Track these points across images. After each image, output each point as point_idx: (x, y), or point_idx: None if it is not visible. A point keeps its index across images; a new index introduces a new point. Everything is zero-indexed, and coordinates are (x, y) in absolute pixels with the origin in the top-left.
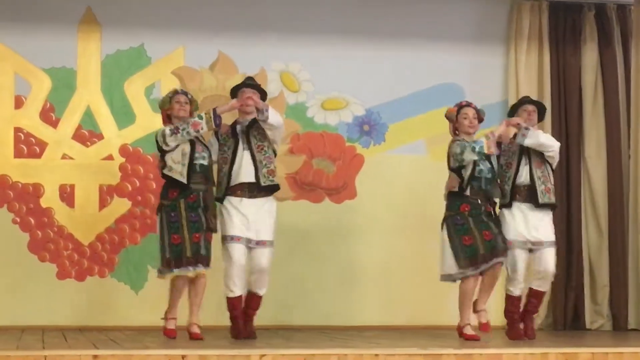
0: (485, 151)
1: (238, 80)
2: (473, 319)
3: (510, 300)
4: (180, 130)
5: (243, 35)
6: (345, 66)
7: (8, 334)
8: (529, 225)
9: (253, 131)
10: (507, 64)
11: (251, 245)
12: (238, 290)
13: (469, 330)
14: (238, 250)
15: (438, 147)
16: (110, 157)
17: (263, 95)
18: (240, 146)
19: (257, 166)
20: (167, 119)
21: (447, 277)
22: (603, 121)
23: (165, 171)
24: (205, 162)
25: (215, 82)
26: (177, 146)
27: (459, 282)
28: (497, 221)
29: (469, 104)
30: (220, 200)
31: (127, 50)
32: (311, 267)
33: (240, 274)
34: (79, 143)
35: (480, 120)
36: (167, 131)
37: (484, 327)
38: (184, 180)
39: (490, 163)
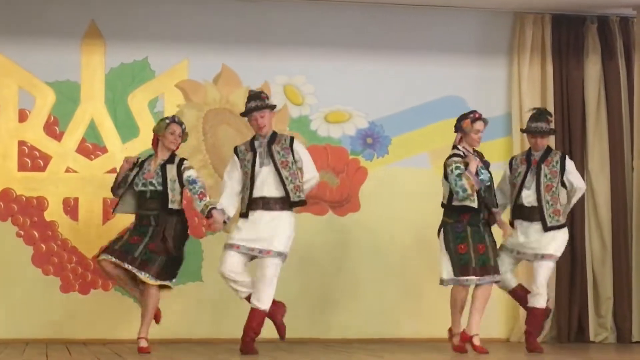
0: (470, 192)
1: (242, 93)
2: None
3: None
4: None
5: (247, 48)
6: (348, 79)
7: (12, 347)
8: (530, 239)
9: (276, 146)
10: (510, 76)
11: (255, 254)
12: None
13: (476, 341)
14: (231, 257)
15: (441, 160)
16: (114, 171)
17: (271, 108)
18: (259, 160)
19: (284, 182)
20: (156, 142)
21: (441, 282)
22: (606, 134)
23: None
24: (154, 188)
25: (219, 95)
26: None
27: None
28: (491, 233)
29: (480, 117)
30: (245, 215)
31: (131, 64)
32: (314, 280)
33: (233, 277)
34: (83, 156)
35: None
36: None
37: (480, 349)
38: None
39: (489, 172)
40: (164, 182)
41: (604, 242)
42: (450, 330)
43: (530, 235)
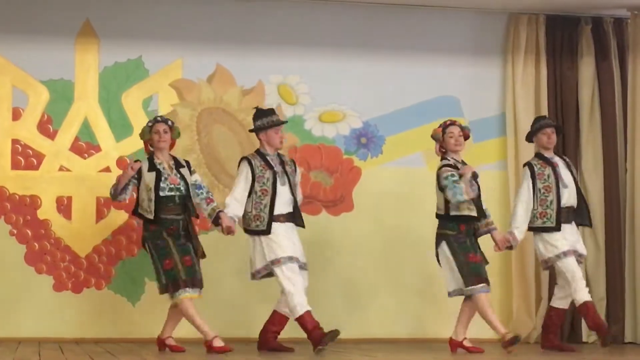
0: (466, 197)
1: (236, 93)
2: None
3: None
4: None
5: (241, 47)
6: (342, 79)
7: (4, 346)
8: (575, 239)
9: (288, 168)
10: (504, 77)
11: (302, 267)
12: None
13: (468, 343)
14: (297, 270)
15: (436, 160)
16: (107, 169)
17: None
18: (280, 180)
19: (296, 203)
20: (148, 147)
21: (458, 292)
22: (600, 135)
23: (139, 210)
24: (180, 194)
25: (213, 94)
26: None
27: (460, 296)
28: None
29: (453, 123)
30: (265, 232)
31: (125, 63)
32: (308, 280)
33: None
34: (77, 155)
35: (466, 137)
36: (111, 190)
37: (476, 349)
38: (151, 217)
39: (477, 183)
40: (187, 186)
41: (597, 243)
42: (505, 337)
43: (572, 236)
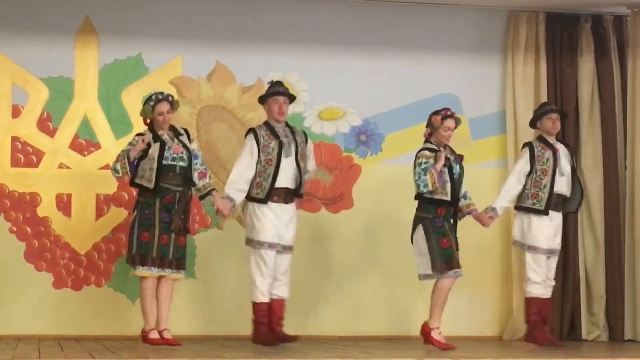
0: (431, 188)
1: (235, 90)
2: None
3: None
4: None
5: (240, 45)
6: (342, 76)
7: (4, 343)
8: (557, 234)
9: (298, 138)
10: (504, 74)
11: (280, 250)
12: (267, 296)
13: (437, 336)
14: (272, 258)
15: None
16: (107, 167)
17: (292, 99)
18: (285, 151)
19: (301, 174)
20: (150, 125)
21: (426, 277)
22: (600, 132)
23: (136, 180)
24: (183, 164)
25: (213, 91)
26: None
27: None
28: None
29: (452, 115)
30: (262, 201)
31: (125, 60)
32: (308, 277)
33: (271, 281)
34: (76, 152)
35: (455, 128)
36: (118, 167)
37: (447, 346)
38: (151, 186)
39: (461, 167)
40: (189, 156)
41: (596, 240)
42: (426, 327)
43: (556, 226)
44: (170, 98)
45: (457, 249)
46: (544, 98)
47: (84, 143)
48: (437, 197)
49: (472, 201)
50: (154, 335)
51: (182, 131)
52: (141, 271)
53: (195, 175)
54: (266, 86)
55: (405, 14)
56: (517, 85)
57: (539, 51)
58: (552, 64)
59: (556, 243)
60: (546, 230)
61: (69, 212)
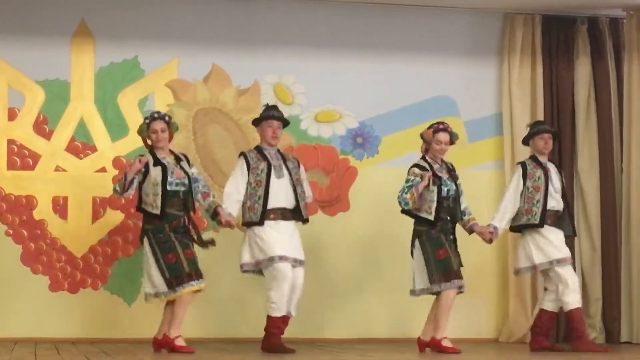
0: (411, 207)
1: (231, 93)
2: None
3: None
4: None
5: (237, 48)
6: (338, 79)
7: (0, 346)
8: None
9: (289, 164)
10: (500, 77)
11: (295, 264)
12: (284, 310)
13: (447, 343)
14: (288, 270)
15: None
16: (103, 170)
17: (285, 124)
18: (275, 172)
19: (298, 197)
20: (148, 144)
21: (422, 291)
22: (596, 134)
23: (142, 206)
24: (184, 189)
25: (209, 94)
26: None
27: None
28: (456, 242)
29: (445, 129)
30: (258, 223)
31: (121, 63)
32: (304, 280)
33: (288, 295)
34: (73, 155)
35: (452, 143)
36: (117, 187)
37: (457, 349)
38: (157, 212)
39: (456, 184)
40: (190, 182)
41: (593, 243)
42: (436, 338)
43: (555, 242)
44: (166, 118)
45: (461, 265)
46: (540, 100)
47: (80, 146)
48: (422, 215)
49: (472, 216)
50: (181, 342)
51: (182, 157)
52: (186, 289)
53: (200, 197)
54: (262, 95)
55: (402, 16)
56: (514, 88)
57: (535, 53)
58: (548, 67)
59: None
60: (553, 243)
61: (65, 215)
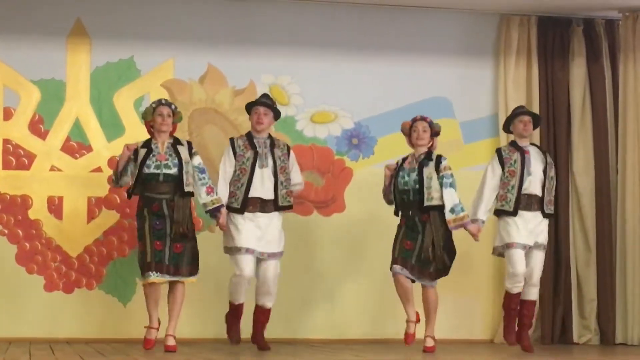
0: (388, 203)
1: (227, 93)
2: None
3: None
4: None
5: (233, 48)
6: (334, 80)
7: None
8: (528, 230)
9: (277, 151)
10: (496, 78)
11: (262, 257)
12: (243, 299)
13: (411, 329)
14: (249, 263)
15: None
16: (99, 169)
17: (276, 113)
18: (260, 162)
19: (277, 186)
20: (151, 129)
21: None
22: (591, 136)
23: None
24: (169, 171)
25: (205, 94)
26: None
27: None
28: (430, 234)
29: (423, 118)
30: (239, 211)
31: (117, 63)
32: (299, 280)
33: (246, 286)
34: (68, 155)
35: (436, 133)
36: (113, 179)
37: (409, 337)
38: (128, 196)
39: (420, 173)
40: (180, 164)
41: (588, 243)
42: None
43: (529, 223)
44: (172, 106)
45: (423, 253)
46: (535, 101)
47: (76, 146)
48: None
49: (465, 213)
50: (171, 341)
51: (184, 142)
52: (149, 278)
53: (204, 189)
54: (258, 95)
55: (398, 17)
56: (509, 89)
57: (530, 55)
58: (543, 68)
59: (541, 237)
60: (517, 229)
61: (60, 215)
